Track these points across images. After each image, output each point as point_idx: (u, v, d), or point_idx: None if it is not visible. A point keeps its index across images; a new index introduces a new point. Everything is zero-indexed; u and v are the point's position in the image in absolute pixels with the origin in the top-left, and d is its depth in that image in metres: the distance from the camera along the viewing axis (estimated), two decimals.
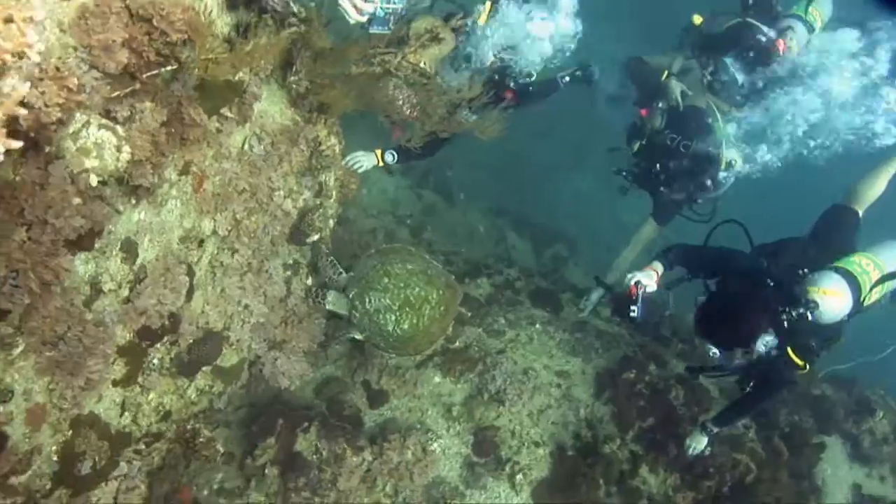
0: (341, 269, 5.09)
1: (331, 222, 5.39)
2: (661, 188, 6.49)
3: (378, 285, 5.01)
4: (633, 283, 4.84)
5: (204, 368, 4.35)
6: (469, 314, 6.42)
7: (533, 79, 5.87)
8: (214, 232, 4.19)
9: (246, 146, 4.31)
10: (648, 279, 4.88)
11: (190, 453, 4.86)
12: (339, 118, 5.03)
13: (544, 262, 11.37)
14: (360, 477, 5.07)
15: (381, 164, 5.69)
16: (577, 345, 6.41)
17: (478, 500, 5.27)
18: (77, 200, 3.16)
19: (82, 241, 3.34)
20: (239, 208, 4.29)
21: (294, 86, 4.48)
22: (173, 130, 3.61)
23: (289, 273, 4.92)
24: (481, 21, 5.15)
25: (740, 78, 6.22)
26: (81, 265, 3.44)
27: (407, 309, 5.07)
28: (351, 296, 5.00)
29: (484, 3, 5.12)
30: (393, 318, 5.07)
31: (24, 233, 2.98)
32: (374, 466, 5.13)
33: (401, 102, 4.67)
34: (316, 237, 4.94)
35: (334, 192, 5.34)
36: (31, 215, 2.98)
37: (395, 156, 5.65)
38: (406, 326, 5.10)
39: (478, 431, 5.52)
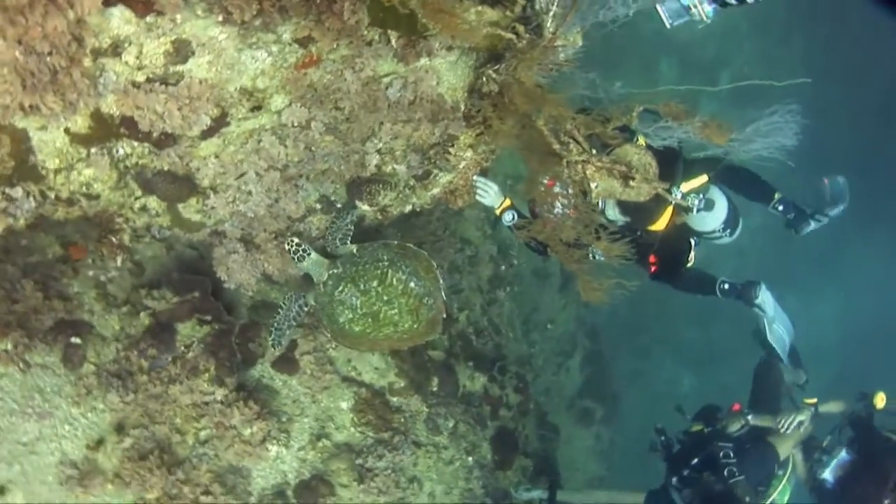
0: (348, 243, 4.46)
1: (406, 209, 4.76)
2: (677, 483, 5.57)
3: (363, 284, 4.41)
4: None
5: (157, 198, 3.87)
6: (436, 389, 5.73)
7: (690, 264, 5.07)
8: (279, 113, 3.64)
9: (385, 80, 3.70)
10: None
11: (100, 237, 4.48)
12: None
13: (576, 405, 10.43)
14: (191, 401, 4.55)
15: (497, 213, 4.95)
16: None
17: None
18: None
19: (133, 3, 2.86)
20: (322, 118, 3.71)
21: (484, 78, 3.81)
22: (316, 2, 3.04)
23: (319, 206, 4.34)
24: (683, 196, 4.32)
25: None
26: (119, 22, 2.96)
27: (369, 319, 4.51)
28: (332, 271, 4.41)
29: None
30: (350, 316, 4.50)
31: None
32: (210, 407, 4.60)
33: (550, 199, 3.93)
34: (365, 207, 4.32)
35: (435, 190, 4.69)
36: None
37: (515, 219, 4.89)
38: (357, 329, 4.55)
39: (316, 478, 4.87)
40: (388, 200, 4.44)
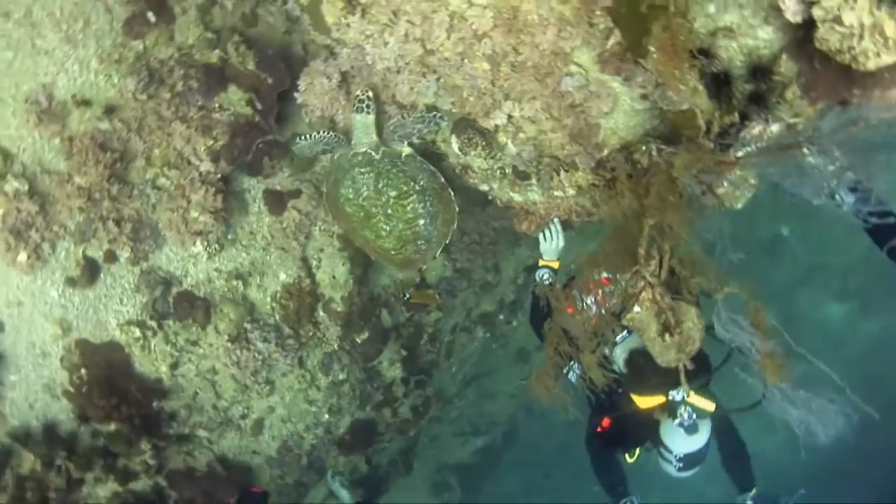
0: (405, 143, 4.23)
1: (483, 188, 4.48)
2: None
3: (382, 184, 4.23)
4: None
5: None
6: (359, 342, 5.44)
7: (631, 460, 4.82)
8: (470, 5, 3.39)
9: (573, 67, 3.42)
10: None
11: None
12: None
13: (443, 473, 10.07)
14: (179, 148, 4.35)
15: (539, 263, 4.66)
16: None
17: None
18: None
19: None
20: (496, 44, 3.46)
21: (645, 147, 3.51)
22: None
23: (424, 110, 4.08)
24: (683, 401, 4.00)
25: None
26: None
27: (361, 213, 4.36)
28: (370, 150, 4.18)
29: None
30: (349, 196, 4.36)
31: None
32: (188, 168, 4.41)
33: (591, 290, 3.65)
34: (455, 148, 4.04)
35: (518, 197, 4.41)
36: None
37: (548, 279, 4.59)
38: (346, 209, 4.42)
39: (204, 302, 4.60)
40: (476, 162, 4.16)
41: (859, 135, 2.52)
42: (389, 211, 4.22)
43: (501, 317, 7.41)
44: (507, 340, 8.41)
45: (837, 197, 2.97)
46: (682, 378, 3.44)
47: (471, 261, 6.24)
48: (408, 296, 5.65)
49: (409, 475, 7.70)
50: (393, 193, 4.19)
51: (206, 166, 4.39)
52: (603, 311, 3.70)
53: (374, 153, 4.17)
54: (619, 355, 4.26)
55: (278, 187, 4.85)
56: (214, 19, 4.50)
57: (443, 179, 4.25)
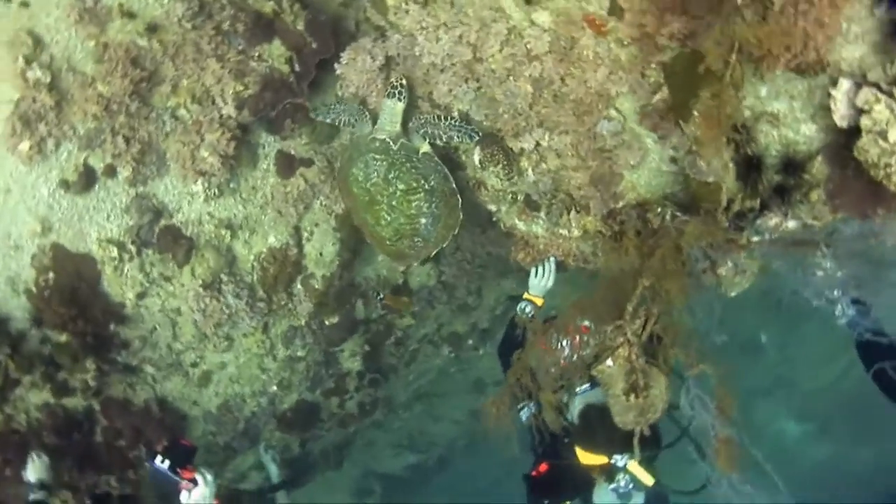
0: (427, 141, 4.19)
1: (491, 208, 4.47)
2: None
3: (392, 175, 4.20)
4: None
5: None
6: (328, 324, 5.37)
7: None
8: (532, 25, 3.39)
9: (613, 112, 3.43)
10: None
11: None
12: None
13: (369, 479, 9.96)
14: (207, 85, 4.31)
15: (523, 296, 4.66)
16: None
17: None
18: None
19: None
20: (545, 69, 3.46)
21: (661, 209, 3.52)
22: None
23: (457, 117, 4.06)
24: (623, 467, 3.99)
25: None
26: None
27: (366, 197, 4.37)
28: (389, 139, 4.14)
29: None
30: (358, 178, 4.35)
31: None
32: (210, 107, 4.36)
33: (567, 334, 3.65)
34: (476, 158, 4.03)
35: (522, 226, 4.40)
36: None
37: (529, 314, 4.59)
38: (353, 188, 4.42)
39: (188, 241, 4.54)
40: (491, 180, 4.15)
41: (876, 248, 2.53)
42: (394, 203, 4.22)
43: (471, 341, 7.35)
44: (469, 367, 8.35)
45: (839, 306, 2.97)
46: (636, 442, 3.40)
47: (457, 277, 6.20)
48: (382, 296, 5.61)
49: (338, 471, 7.61)
50: (401, 187, 4.17)
51: (228, 110, 4.34)
52: (575, 357, 3.69)
53: (392, 143, 4.15)
54: (576, 405, 4.23)
55: (292, 151, 4.81)
56: None
57: (454, 185, 4.24)
